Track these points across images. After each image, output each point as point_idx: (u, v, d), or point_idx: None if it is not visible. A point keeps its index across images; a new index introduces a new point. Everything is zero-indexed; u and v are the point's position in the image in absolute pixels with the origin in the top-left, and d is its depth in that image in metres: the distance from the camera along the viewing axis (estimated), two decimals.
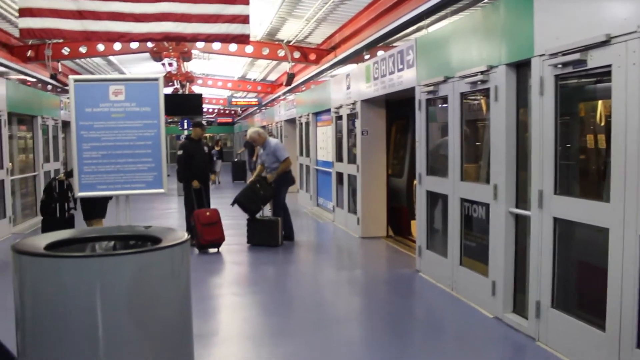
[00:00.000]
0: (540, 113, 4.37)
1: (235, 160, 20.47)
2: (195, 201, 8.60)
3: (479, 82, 5.27)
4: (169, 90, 20.49)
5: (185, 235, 3.12)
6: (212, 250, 8.33)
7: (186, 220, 8.70)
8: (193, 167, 8.65)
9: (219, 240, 8.33)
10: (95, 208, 7.47)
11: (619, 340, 3.63)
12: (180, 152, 8.78)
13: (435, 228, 6.72)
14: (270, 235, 8.56)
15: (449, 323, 5.22)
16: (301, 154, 14.56)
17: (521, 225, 4.94)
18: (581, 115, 4.55)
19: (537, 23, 4.35)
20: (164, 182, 5.13)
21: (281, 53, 12.68)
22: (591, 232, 4.01)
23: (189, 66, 18.73)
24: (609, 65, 3.65)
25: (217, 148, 21.91)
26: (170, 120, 26.36)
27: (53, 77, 12.22)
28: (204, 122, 9.35)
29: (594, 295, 3.98)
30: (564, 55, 4.03)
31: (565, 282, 4.37)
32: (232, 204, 8.58)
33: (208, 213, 8.32)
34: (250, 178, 9.04)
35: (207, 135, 43.28)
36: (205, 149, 8.99)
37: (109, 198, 7.40)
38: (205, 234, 8.19)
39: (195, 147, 8.81)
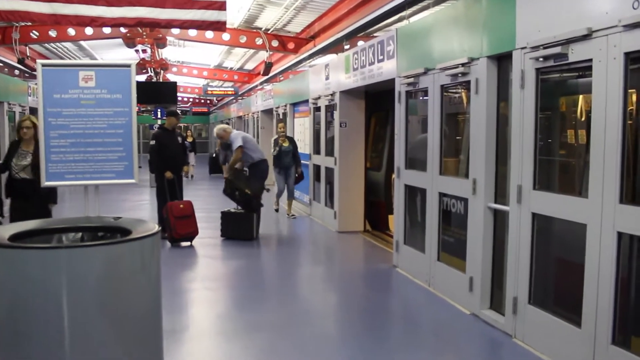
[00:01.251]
0: (520, 107, 4.41)
1: (214, 155, 19.77)
2: (168, 193, 8.49)
3: (459, 75, 5.29)
4: (142, 77, 20.24)
5: (156, 227, 3.09)
6: (185, 243, 8.27)
7: (158, 213, 8.61)
8: (166, 158, 8.52)
9: (192, 234, 8.27)
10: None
11: (594, 337, 3.69)
12: (152, 142, 8.68)
13: (413, 223, 6.75)
14: (244, 228, 8.53)
15: (426, 319, 5.26)
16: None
17: (500, 221, 4.98)
18: (562, 110, 4.60)
19: (520, 15, 4.38)
20: (135, 172, 5.07)
21: (259, 41, 12.61)
22: (569, 228, 4.06)
23: (164, 53, 18.52)
24: (590, 60, 3.69)
25: (188, 139, 19.95)
26: (143, 108, 26.10)
27: (20, 61, 11.99)
28: (178, 112, 9.19)
29: (571, 292, 4.04)
30: (545, 48, 4.06)
31: (542, 279, 4.42)
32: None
33: (182, 205, 8.26)
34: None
35: (182, 125, 42.95)
36: (179, 139, 8.93)
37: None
38: (178, 227, 8.13)
39: (168, 137, 8.69)
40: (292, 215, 10.56)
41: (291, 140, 10.44)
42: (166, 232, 8.17)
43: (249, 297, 5.83)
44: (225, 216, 8.66)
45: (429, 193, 6.02)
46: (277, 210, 10.87)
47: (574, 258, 4.06)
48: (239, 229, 8.55)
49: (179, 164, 8.74)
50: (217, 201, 11.84)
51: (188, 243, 8.27)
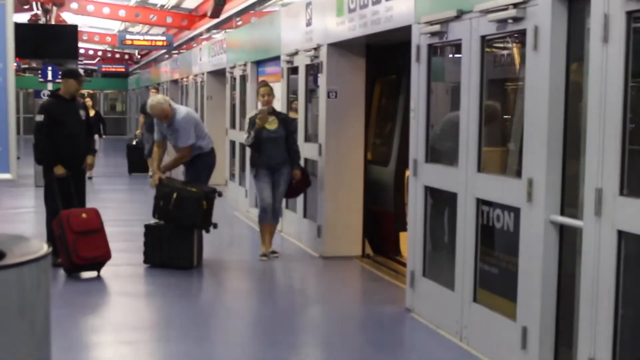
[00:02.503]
0: (602, 71, 4.40)
1: (134, 144, 18.99)
2: (59, 197, 8.36)
3: (510, 21, 5.29)
4: (23, 17, 20.13)
5: (45, 248, 3.05)
6: (90, 273, 8.22)
7: (47, 226, 8.55)
8: (60, 142, 8.47)
9: (101, 259, 8.23)
10: None
11: None
12: (40, 118, 8.60)
13: (437, 244, 6.73)
14: (179, 251, 8.49)
15: None
16: (233, 125, 14.48)
17: (569, 242, 4.98)
18: None
19: None
20: (12, 163, 5.01)
21: None
22: None
23: None
24: None
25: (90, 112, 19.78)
26: (25, 66, 25.93)
27: None
28: (80, 71, 9.10)
29: None
30: None
31: (634, 330, 4.43)
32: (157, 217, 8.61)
33: (84, 215, 8.22)
34: (152, 173, 8.93)
35: (85, 91, 42.78)
36: (82, 113, 8.87)
37: None
38: (80, 248, 8.05)
39: (65, 109, 8.63)
40: (273, 252, 9.26)
41: (283, 120, 9.16)
42: (60, 256, 8.10)
43: (187, 356, 5.77)
44: (152, 233, 8.61)
45: (460, 199, 6.02)
46: (265, 256, 9.13)
47: None
48: (171, 252, 8.50)
49: (79, 151, 8.67)
50: (139, 209, 11.78)
51: (94, 273, 8.22)
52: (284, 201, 9.77)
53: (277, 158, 8.97)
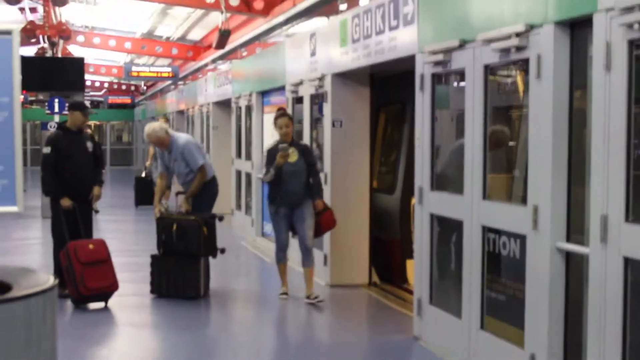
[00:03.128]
0: (605, 98, 4.41)
1: (142, 176, 18.31)
2: (66, 228, 8.36)
3: (512, 50, 5.30)
4: (30, 50, 20.24)
5: (51, 280, 3.05)
6: (97, 304, 8.20)
7: (54, 258, 8.55)
8: (67, 175, 8.49)
9: (109, 289, 8.22)
10: None
11: None
12: (47, 150, 8.63)
13: (444, 272, 6.71)
14: (186, 280, 8.46)
15: None
16: (239, 155, 14.48)
17: (575, 269, 4.96)
18: None
19: None
20: (19, 195, 5.02)
21: None
22: None
23: (64, 13, 18.55)
24: None
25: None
26: (33, 98, 26.06)
27: None
28: (86, 103, 9.13)
29: None
30: None
31: None
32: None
33: (91, 246, 8.22)
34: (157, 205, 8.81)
35: (92, 123, 42.94)
36: (89, 145, 8.85)
37: None
38: (87, 278, 8.04)
39: (72, 142, 8.64)
40: (317, 298, 8.34)
41: (303, 151, 8.37)
42: (67, 287, 8.09)
43: None
44: (158, 262, 8.60)
45: (466, 227, 6.01)
46: (285, 295, 8.64)
47: None
48: (177, 282, 8.48)
49: (86, 183, 8.65)
50: (144, 240, 11.76)
51: (102, 304, 8.20)
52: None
53: (297, 193, 8.24)
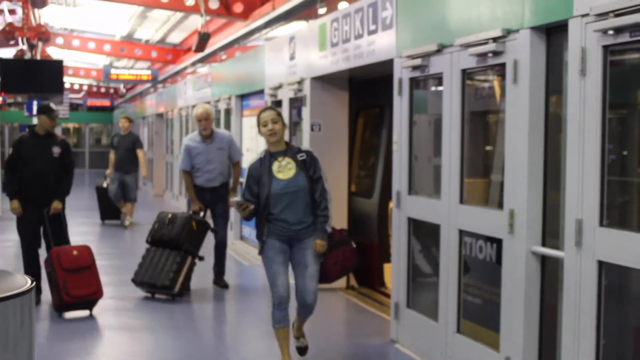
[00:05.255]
0: (580, 103, 4.45)
1: (104, 186, 15.45)
2: (31, 230, 8.21)
3: (490, 54, 5.34)
4: (9, 52, 20.12)
5: (28, 283, 3.03)
6: (80, 312, 8.01)
7: (24, 260, 8.37)
8: (26, 179, 8.23)
9: (93, 296, 8.01)
10: None
11: None
12: (10, 152, 8.48)
13: (421, 276, 6.72)
14: (164, 270, 8.53)
15: None
16: None
17: (550, 273, 4.99)
18: None
19: None
20: None
21: (190, 0, 12.64)
22: None
23: (43, 15, 18.43)
24: None
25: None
26: (11, 100, 25.83)
27: None
28: (52, 106, 8.52)
29: None
30: (617, 16, 4.12)
31: (617, 359, 4.43)
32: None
33: (75, 252, 7.99)
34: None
35: (71, 126, 42.62)
36: (55, 150, 8.35)
37: None
38: (70, 286, 7.82)
39: (35, 146, 8.32)
40: (303, 342, 6.49)
41: (305, 160, 6.06)
42: (51, 293, 7.92)
43: None
44: (147, 252, 8.83)
45: (444, 231, 6.03)
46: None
47: None
48: (155, 269, 8.62)
49: (49, 190, 8.25)
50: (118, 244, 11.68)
51: (86, 312, 8.03)
52: None
53: (296, 223, 5.97)
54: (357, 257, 6.35)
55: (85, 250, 8.12)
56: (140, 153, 14.63)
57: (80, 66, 30.00)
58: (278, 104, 10.48)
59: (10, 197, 8.31)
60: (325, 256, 6.08)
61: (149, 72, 23.86)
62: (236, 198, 6.08)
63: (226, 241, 9.32)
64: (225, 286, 9.22)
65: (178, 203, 18.78)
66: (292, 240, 6.02)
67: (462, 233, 5.83)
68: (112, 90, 38.78)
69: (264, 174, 5.95)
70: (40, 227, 8.34)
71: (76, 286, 7.87)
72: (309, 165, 6.03)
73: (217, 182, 9.03)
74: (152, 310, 8.21)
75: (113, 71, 24.20)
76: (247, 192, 6.03)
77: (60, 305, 7.88)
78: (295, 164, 6.01)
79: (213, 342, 7.37)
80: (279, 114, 6.10)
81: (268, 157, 6.02)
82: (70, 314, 7.97)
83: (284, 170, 5.98)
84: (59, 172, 8.35)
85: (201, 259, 8.84)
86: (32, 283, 3.02)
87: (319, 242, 5.98)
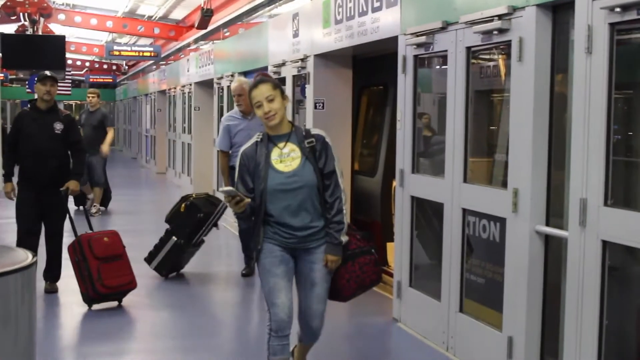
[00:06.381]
0: (586, 82, 4.42)
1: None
2: (22, 222, 7.59)
3: (495, 32, 5.31)
4: (10, 28, 20.04)
5: (30, 258, 3.04)
6: (110, 304, 7.57)
7: (18, 238, 7.73)
8: (25, 158, 7.67)
9: (128, 286, 7.62)
10: None
11: None
12: (10, 128, 8.34)
13: (424, 255, 6.72)
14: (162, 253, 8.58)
15: None
16: None
17: (554, 252, 4.99)
18: None
19: None
20: None
21: None
22: None
23: None
24: None
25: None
26: (13, 76, 25.87)
27: None
28: (51, 75, 7.90)
29: None
30: None
31: (619, 341, 4.43)
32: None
33: (106, 239, 7.58)
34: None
35: (72, 103, 42.59)
36: (58, 127, 7.74)
37: None
38: (105, 275, 7.37)
39: (35, 121, 7.74)
40: None
41: (313, 149, 4.80)
42: (79, 285, 7.44)
43: None
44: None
45: (447, 209, 6.02)
46: None
47: None
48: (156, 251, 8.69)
49: (49, 171, 7.65)
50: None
51: (115, 303, 7.58)
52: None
53: (301, 228, 4.74)
54: (379, 270, 5.20)
55: (116, 237, 7.70)
56: (110, 131, 13.43)
57: (83, 42, 29.92)
58: (282, 81, 10.45)
59: (5, 177, 7.85)
60: (344, 265, 4.88)
61: (151, 49, 23.82)
62: (227, 188, 4.68)
63: None
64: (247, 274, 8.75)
65: (180, 181, 18.82)
66: (297, 250, 4.78)
67: (465, 212, 5.82)
68: (114, 67, 38.71)
69: (260, 163, 4.68)
70: (40, 213, 7.69)
71: (111, 276, 7.43)
72: (319, 155, 4.76)
73: None
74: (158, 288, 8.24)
75: (115, 48, 24.14)
76: (240, 186, 4.73)
77: (95, 297, 7.40)
78: (301, 151, 4.74)
79: (210, 319, 7.38)
80: (275, 86, 4.74)
81: (266, 142, 4.74)
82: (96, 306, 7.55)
83: (286, 159, 4.72)
84: (61, 152, 7.77)
85: (195, 243, 8.78)
86: (33, 258, 3.03)
87: (330, 257, 4.78)
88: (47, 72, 7.88)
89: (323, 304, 4.90)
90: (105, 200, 14.11)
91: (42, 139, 7.63)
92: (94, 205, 13.65)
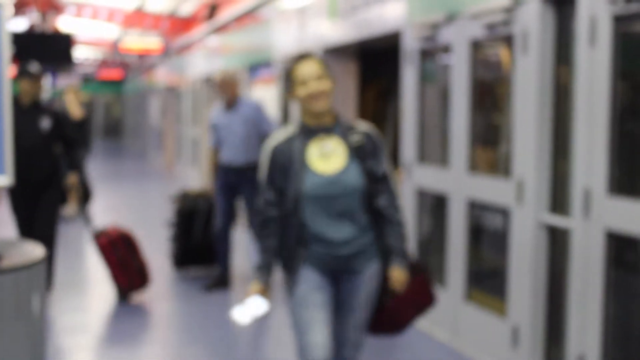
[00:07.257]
0: (589, 73, 4.44)
1: None
2: (22, 224, 7.17)
3: (499, 25, 5.32)
4: (20, 24, 20.05)
5: (41, 253, 3.06)
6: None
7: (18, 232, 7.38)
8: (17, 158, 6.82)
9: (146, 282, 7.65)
10: None
11: None
12: None
13: (429, 244, 6.74)
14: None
15: None
16: None
17: (558, 242, 5.01)
18: None
19: None
20: (8, 167, 5.01)
21: None
22: None
23: None
24: None
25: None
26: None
27: None
28: (35, 67, 7.07)
29: None
30: None
31: (622, 330, 4.44)
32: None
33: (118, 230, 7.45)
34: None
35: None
36: (45, 123, 7.06)
37: None
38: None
39: (18, 119, 6.03)
40: None
41: (360, 147, 3.83)
42: (118, 279, 7.40)
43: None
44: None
45: (452, 200, 6.04)
46: None
47: None
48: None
49: (39, 170, 7.05)
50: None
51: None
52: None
53: (343, 243, 3.78)
54: (433, 290, 4.09)
55: (117, 227, 7.64)
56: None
57: (91, 38, 29.94)
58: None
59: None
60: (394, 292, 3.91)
61: (159, 43, 23.82)
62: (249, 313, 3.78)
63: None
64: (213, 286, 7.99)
65: (188, 174, 18.83)
66: (339, 271, 3.84)
67: (470, 203, 5.84)
68: (123, 63, 38.71)
69: (294, 161, 3.75)
70: (34, 214, 7.16)
71: (126, 273, 7.49)
72: (369, 154, 3.81)
73: (243, 160, 7.60)
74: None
75: (124, 43, 24.17)
76: (268, 188, 3.82)
77: (139, 285, 7.49)
78: (346, 149, 3.81)
79: (214, 315, 7.42)
80: (326, 66, 3.93)
81: (302, 135, 3.82)
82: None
83: (329, 158, 3.77)
84: (51, 150, 7.17)
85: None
86: (44, 254, 3.05)
87: (397, 272, 3.85)
88: (35, 66, 7.06)
89: (361, 333, 3.94)
90: (85, 199, 12.70)
91: (28, 138, 6.90)
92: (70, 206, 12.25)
